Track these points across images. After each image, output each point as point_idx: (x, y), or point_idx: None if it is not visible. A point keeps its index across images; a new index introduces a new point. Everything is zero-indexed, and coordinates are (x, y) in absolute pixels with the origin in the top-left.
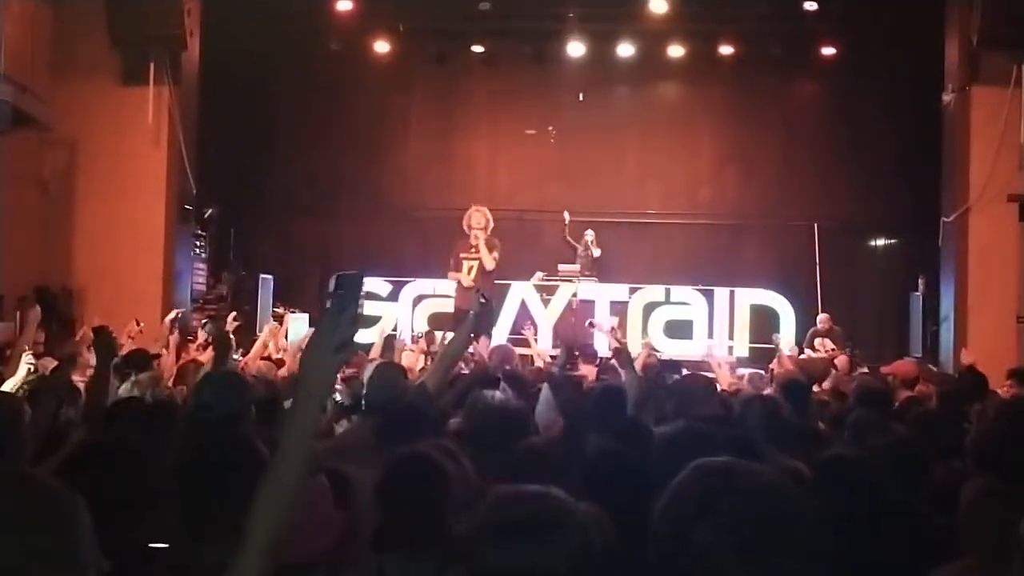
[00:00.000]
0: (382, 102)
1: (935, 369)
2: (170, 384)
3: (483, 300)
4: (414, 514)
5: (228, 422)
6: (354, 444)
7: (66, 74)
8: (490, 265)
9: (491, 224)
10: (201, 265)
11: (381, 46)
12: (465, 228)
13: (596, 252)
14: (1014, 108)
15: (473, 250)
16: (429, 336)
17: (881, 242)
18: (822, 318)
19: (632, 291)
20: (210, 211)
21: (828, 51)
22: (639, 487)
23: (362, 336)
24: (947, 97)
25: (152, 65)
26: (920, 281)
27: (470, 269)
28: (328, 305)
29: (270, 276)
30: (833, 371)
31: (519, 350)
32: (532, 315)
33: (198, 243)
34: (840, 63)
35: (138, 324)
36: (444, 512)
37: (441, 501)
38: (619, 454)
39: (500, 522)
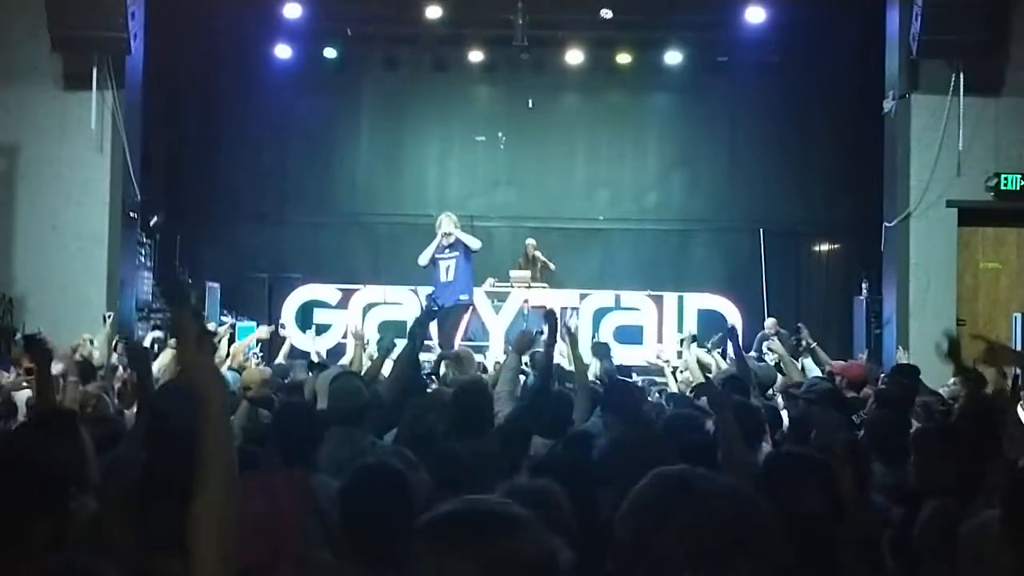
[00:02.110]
0: (331, 108)
1: (885, 372)
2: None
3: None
4: (376, 522)
5: (186, 433)
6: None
7: (7, 78)
8: (476, 245)
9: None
10: (146, 273)
11: (329, 51)
12: (437, 234)
13: (549, 264)
14: (953, 115)
15: (448, 251)
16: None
17: (825, 247)
18: (769, 323)
19: (582, 297)
20: (155, 218)
21: (772, 59)
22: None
23: (319, 343)
24: (888, 105)
25: (95, 69)
26: (863, 285)
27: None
28: (172, 315)
29: (217, 284)
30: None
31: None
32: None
33: (143, 250)
34: (784, 71)
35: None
36: (405, 521)
37: (403, 510)
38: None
39: (454, 532)
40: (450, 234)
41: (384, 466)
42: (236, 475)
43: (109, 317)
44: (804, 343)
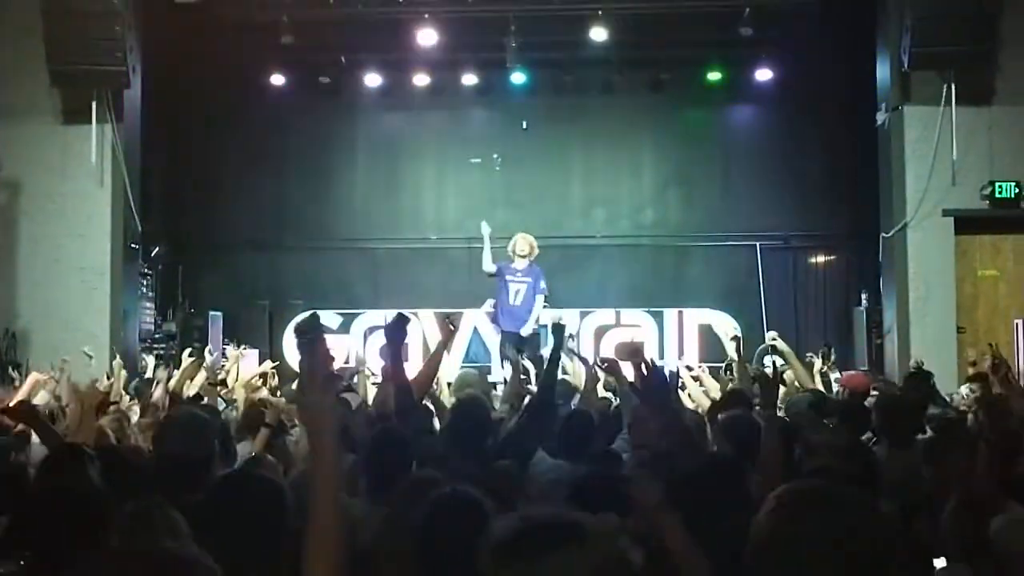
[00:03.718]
0: (327, 134)
1: (887, 380)
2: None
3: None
4: (456, 556)
5: (199, 466)
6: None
7: (6, 114)
8: (543, 291)
9: (535, 251)
10: (148, 304)
11: (323, 79)
12: (510, 253)
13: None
14: (946, 126)
15: (520, 275)
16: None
17: (822, 259)
18: (770, 336)
19: (583, 315)
20: (157, 249)
21: (765, 75)
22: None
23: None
24: (881, 117)
25: (94, 103)
26: (863, 296)
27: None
28: (299, 350)
29: (219, 313)
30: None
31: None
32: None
33: (145, 282)
34: (777, 86)
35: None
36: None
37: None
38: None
39: (526, 540)
40: (525, 256)
41: (464, 495)
42: (344, 510)
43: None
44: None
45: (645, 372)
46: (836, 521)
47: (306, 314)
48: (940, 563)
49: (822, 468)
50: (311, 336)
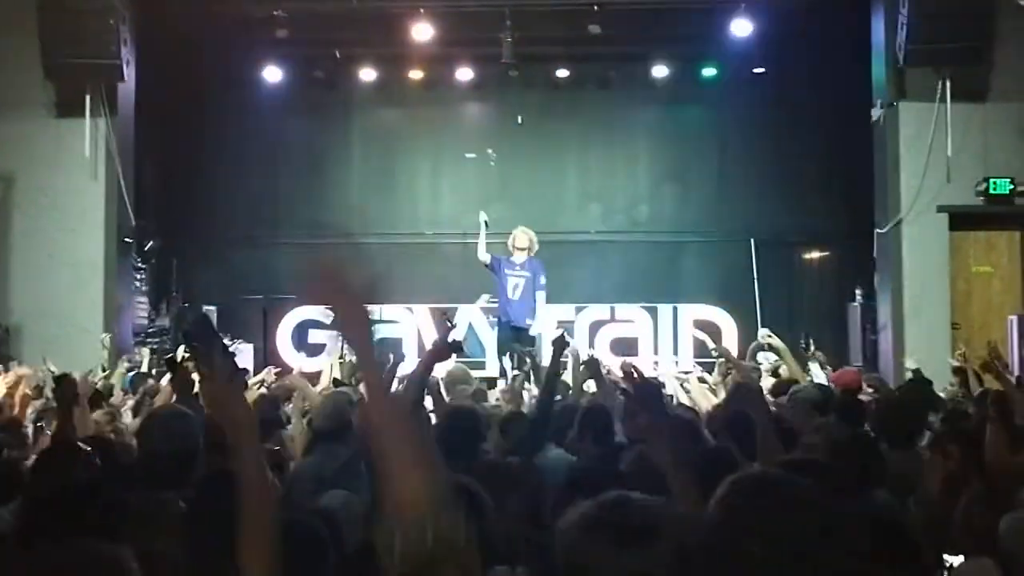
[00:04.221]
0: (321, 129)
1: (878, 377)
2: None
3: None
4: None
5: (182, 462)
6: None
7: None
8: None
9: (535, 245)
10: (142, 298)
11: (318, 73)
12: (509, 247)
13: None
14: (941, 122)
15: (519, 268)
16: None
17: (817, 255)
18: (763, 333)
19: (578, 311)
20: (151, 243)
21: (759, 70)
22: None
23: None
24: (876, 113)
25: (88, 97)
26: (857, 292)
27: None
28: (196, 352)
29: (213, 307)
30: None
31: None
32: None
33: (138, 276)
34: (772, 82)
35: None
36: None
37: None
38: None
39: (608, 526)
40: (524, 250)
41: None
42: (276, 500)
43: (105, 339)
44: (811, 351)
45: (634, 383)
46: (773, 512)
47: (199, 318)
48: (955, 560)
49: (813, 461)
50: (204, 335)
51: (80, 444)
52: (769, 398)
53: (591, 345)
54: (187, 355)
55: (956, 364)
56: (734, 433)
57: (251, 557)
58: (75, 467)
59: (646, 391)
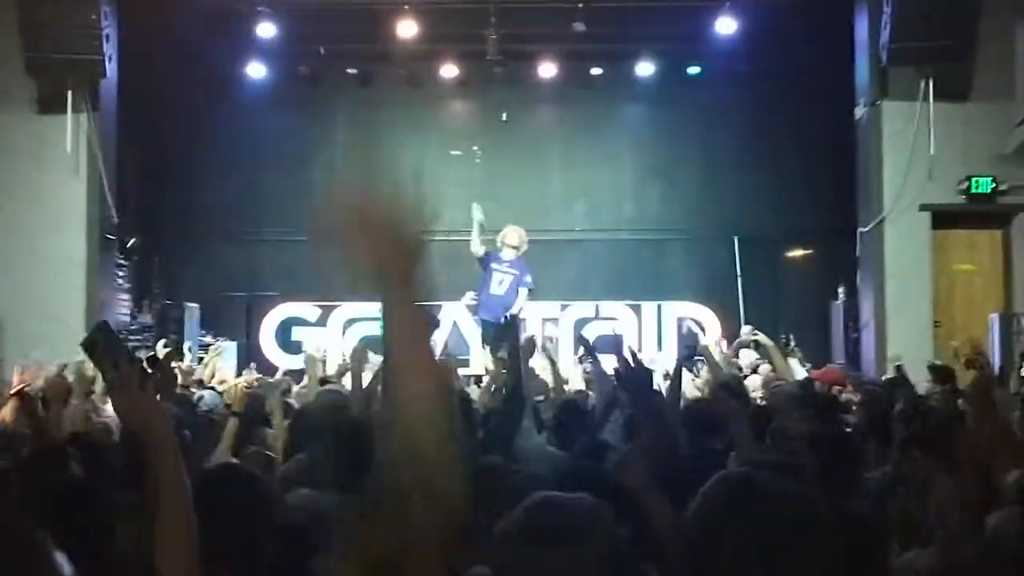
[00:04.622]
0: (305, 125)
1: (861, 375)
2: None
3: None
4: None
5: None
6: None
7: None
8: (529, 284)
9: (524, 244)
10: (124, 295)
11: (302, 69)
12: (499, 244)
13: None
14: (923, 121)
15: (508, 265)
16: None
17: (800, 253)
18: (745, 330)
19: (563, 308)
20: (133, 240)
21: (743, 69)
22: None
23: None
24: (859, 112)
25: (70, 92)
26: (840, 290)
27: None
28: (98, 360)
29: (196, 304)
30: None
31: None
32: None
33: (120, 273)
34: (755, 80)
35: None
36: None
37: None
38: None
39: (535, 529)
40: (515, 248)
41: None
42: (191, 500)
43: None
44: (790, 347)
45: (626, 364)
46: (758, 507)
47: (96, 325)
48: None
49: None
50: (106, 344)
51: (63, 444)
52: (757, 394)
53: (576, 343)
54: (168, 352)
55: (943, 360)
56: (708, 432)
57: (167, 558)
58: (63, 468)
59: (637, 377)
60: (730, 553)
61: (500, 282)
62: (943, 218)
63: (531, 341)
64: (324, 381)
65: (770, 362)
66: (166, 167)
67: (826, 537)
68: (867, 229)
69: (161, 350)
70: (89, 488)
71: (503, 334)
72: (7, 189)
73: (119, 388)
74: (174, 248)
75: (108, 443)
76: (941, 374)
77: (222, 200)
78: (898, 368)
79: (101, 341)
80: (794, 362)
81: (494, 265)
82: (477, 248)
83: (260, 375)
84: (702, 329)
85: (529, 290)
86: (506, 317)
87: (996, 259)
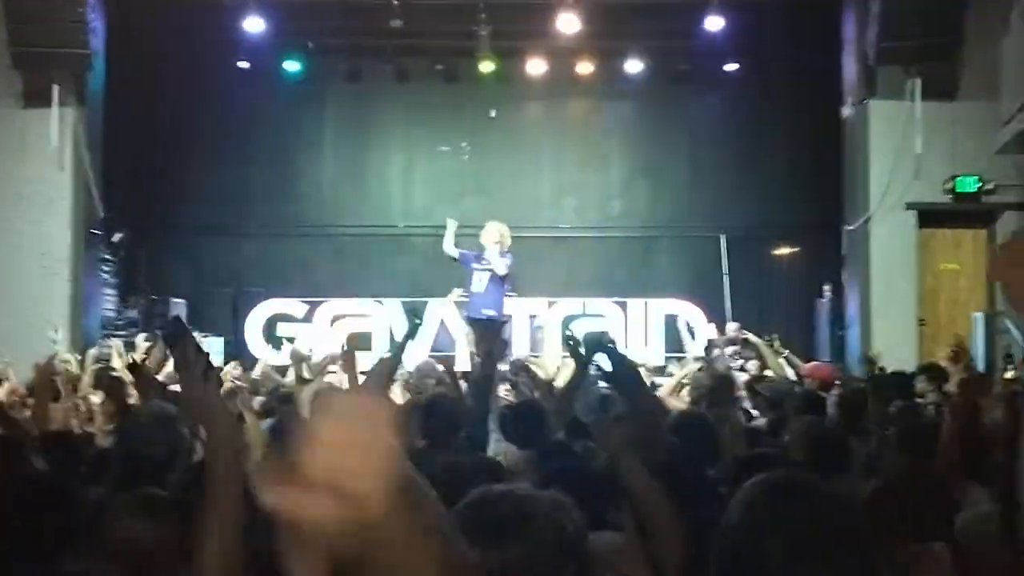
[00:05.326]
0: (294, 120)
1: (852, 374)
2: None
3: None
4: None
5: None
6: None
7: None
8: (501, 270)
9: (506, 240)
10: (110, 291)
11: (291, 64)
12: (481, 242)
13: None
14: (910, 119)
15: (486, 262)
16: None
17: (786, 251)
18: (732, 327)
19: (550, 304)
20: (119, 235)
21: (732, 67)
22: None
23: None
24: (846, 110)
25: (56, 86)
26: (825, 288)
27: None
28: (174, 353)
29: (182, 300)
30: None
31: None
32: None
33: (106, 268)
34: (744, 78)
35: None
36: None
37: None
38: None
39: (476, 523)
40: (496, 243)
41: None
42: (243, 493)
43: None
44: (775, 346)
45: (614, 361)
46: (804, 509)
47: (174, 319)
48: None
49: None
50: (179, 336)
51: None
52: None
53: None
54: (145, 356)
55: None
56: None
57: (214, 553)
58: (23, 463)
59: (627, 376)
60: (777, 555)
61: (479, 280)
62: (929, 217)
63: (503, 344)
64: (303, 380)
65: (759, 360)
66: (152, 162)
67: (866, 537)
68: (853, 227)
69: (142, 343)
70: (52, 483)
71: (482, 334)
72: None
73: (190, 380)
74: (160, 243)
75: (84, 440)
76: (934, 374)
77: (209, 195)
78: (871, 362)
79: (174, 330)
80: (783, 360)
81: (474, 265)
82: (450, 249)
83: (243, 371)
84: (691, 332)
85: (507, 275)
86: (490, 317)
87: (980, 258)
